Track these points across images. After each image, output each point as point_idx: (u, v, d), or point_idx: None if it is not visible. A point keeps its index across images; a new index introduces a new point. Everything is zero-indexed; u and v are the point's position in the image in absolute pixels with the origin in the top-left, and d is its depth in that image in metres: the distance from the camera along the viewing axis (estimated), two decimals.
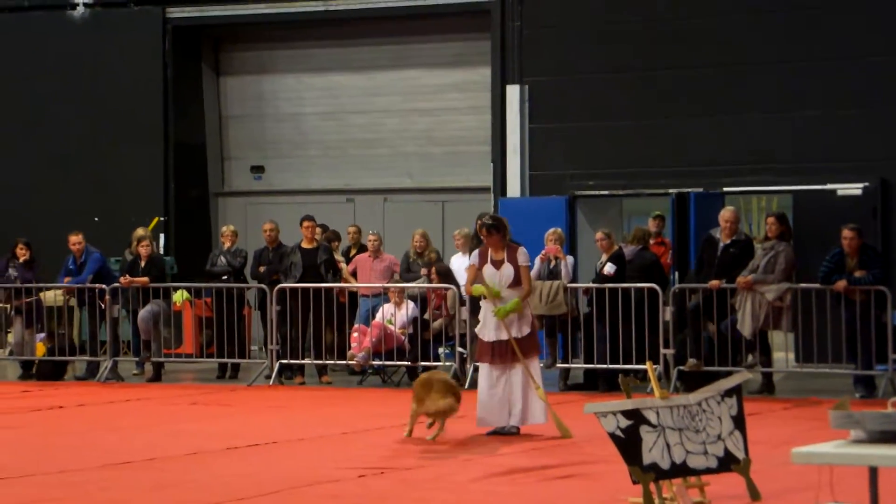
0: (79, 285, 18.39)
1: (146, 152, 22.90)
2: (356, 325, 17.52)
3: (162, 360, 18.40)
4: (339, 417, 14.22)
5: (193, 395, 16.58)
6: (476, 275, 12.44)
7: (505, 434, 12.25)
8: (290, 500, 9.29)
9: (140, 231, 18.88)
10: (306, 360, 17.59)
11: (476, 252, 12.62)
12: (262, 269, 18.23)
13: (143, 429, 13.40)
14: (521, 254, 12.44)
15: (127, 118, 22.95)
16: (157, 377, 18.22)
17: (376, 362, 17.30)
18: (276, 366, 17.54)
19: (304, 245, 17.91)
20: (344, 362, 17.64)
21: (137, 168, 22.85)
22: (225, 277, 18.32)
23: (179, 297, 18.90)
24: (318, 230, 18.37)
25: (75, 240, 18.54)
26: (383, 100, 23.03)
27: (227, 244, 18.67)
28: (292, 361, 17.61)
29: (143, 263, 18.36)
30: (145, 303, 18.18)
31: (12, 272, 18.69)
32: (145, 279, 18.19)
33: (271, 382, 17.38)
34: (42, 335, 18.89)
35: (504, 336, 12.22)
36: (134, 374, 18.70)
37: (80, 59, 23.22)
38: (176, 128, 23.10)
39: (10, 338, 19.21)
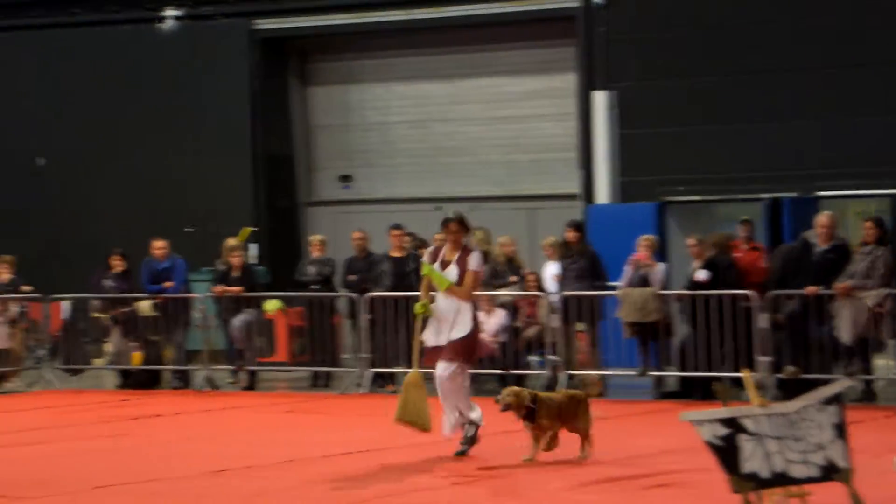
0: (174, 295, 18.60)
1: (235, 163, 23.11)
2: None
3: (255, 368, 18.58)
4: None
5: (288, 403, 16.71)
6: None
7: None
8: None
9: (231, 241, 19.08)
10: (398, 369, 17.66)
11: (430, 249, 12.08)
12: (351, 277, 18.33)
13: (239, 437, 13.55)
14: (474, 258, 11.67)
15: (216, 130, 23.19)
16: (251, 386, 18.39)
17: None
18: (369, 374, 17.62)
19: (393, 253, 17.99)
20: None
21: (227, 179, 23.07)
22: (315, 287, 18.44)
23: (272, 305, 19.03)
24: (406, 238, 18.43)
25: (159, 244, 18.78)
26: (469, 107, 23.05)
27: (316, 253, 18.81)
28: (384, 370, 17.68)
29: (235, 273, 18.55)
30: (238, 312, 18.37)
31: (108, 283, 18.97)
32: (238, 288, 18.38)
33: (363, 391, 17.46)
34: (135, 344, 19.13)
35: (442, 340, 11.59)
36: (229, 383, 18.90)
37: (169, 71, 23.49)
38: (264, 139, 23.29)
39: (108, 347, 19.49)
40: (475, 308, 11.85)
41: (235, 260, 18.65)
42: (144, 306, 18.78)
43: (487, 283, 17.94)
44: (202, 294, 18.95)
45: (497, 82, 22.83)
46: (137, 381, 18.81)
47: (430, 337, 11.71)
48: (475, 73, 22.96)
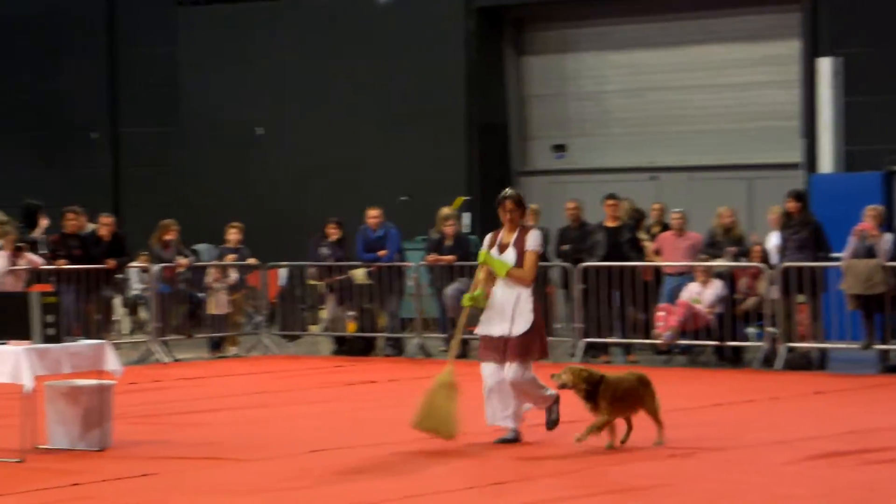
0: (388, 263, 18.73)
1: (450, 132, 23.17)
2: (661, 304, 17.27)
3: (468, 336, 18.56)
4: None
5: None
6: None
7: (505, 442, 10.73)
8: (600, 479, 9.17)
9: (445, 210, 19.10)
10: (611, 339, 17.47)
11: (489, 235, 10.95)
12: (565, 247, 18.18)
13: None
14: (532, 236, 10.69)
15: (431, 100, 23.27)
16: (462, 354, 18.38)
17: (682, 342, 17.03)
18: (582, 344, 17.47)
19: (608, 223, 17.77)
20: (649, 341, 17.44)
21: (441, 148, 23.14)
22: None
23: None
24: (621, 207, 18.18)
25: (374, 213, 18.91)
26: (687, 75, 22.62)
27: (530, 223, 18.68)
28: (597, 340, 17.52)
29: (448, 242, 18.58)
30: (452, 281, 18.40)
31: (324, 251, 19.20)
32: (451, 257, 18.41)
33: (576, 360, 17.30)
34: (351, 313, 19.33)
35: (496, 332, 10.62)
36: (441, 351, 18.94)
37: (385, 42, 23.64)
38: (479, 108, 23.28)
39: (324, 314, 19.76)
40: (536, 294, 10.81)
41: (449, 229, 18.67)
42: (359, 274, 18.94)
43: (704, 252, 17.56)
44: (416, 262, 19.03)
45: (716, 50, 22.36)
46: (352, 347, 19.03)
47: (485, 327, 10.66)
48: (692, 41, 22.52)
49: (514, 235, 10.66)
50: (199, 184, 24.98)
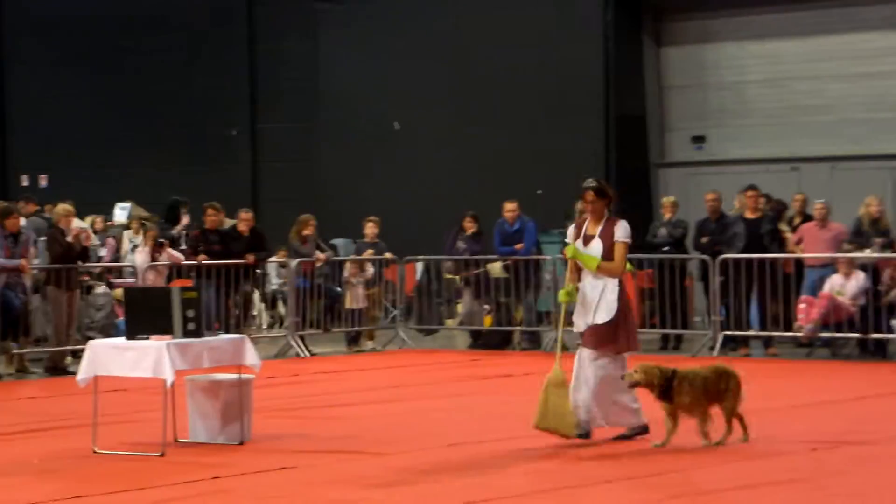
0: (525, 257, 18.66)
1: (587, 124, 23.02)
2: (803, 296, 16.95)
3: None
4: (785, 390, 13.81)
5: (636, 364, 16.44)
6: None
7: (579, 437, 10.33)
8: (747, 472, 9.01)
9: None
10: (751, 332, 17.22)
11: (573, 225, 10.70)
12: (704, 239, 17.94)
13: None
14: (620, 227, 10.38)
15: (568, 91, 23.14)
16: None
17: (824, 334, 16.70)
18: (720, 337, 17.23)
19: (748, 215, 17.51)
20: (790, 334, 17.14)
21: (579, 140, 23.00)
22: (666, 249, 18.15)
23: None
24: (761, 200, 17.89)
25: (510, 207, 18.86)
26: (829, 64, 22.20)
27: (668, 215, 18.49)
28: (736, 333, 17.27)
29: None
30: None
31: (461, 244, 19.20)
32: None
33: (715, 353, 17.07)
34: (487, 306, 19.31)
35: (582, 327, 10.40)
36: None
37: (522, 34, 23.57)
38: (617, 99, 23.10)
39: (460, 308, 19.76)
40: (623, 285, 10.43)
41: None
42: (496, 268, 18.91)
43: (849, 242, 17.18)
44: (553, 256, 18.93)
45: (858, 38, 21.90)
46: (488, 341, 19.00)
47: (579, 322, 10.44)
48: (834, 30, 22.10)
49: (600, 227, 10.40)
50: (336, 179, 25.17)
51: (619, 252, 10.33)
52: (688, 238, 18.47)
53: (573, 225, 10.69)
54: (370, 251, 19.35)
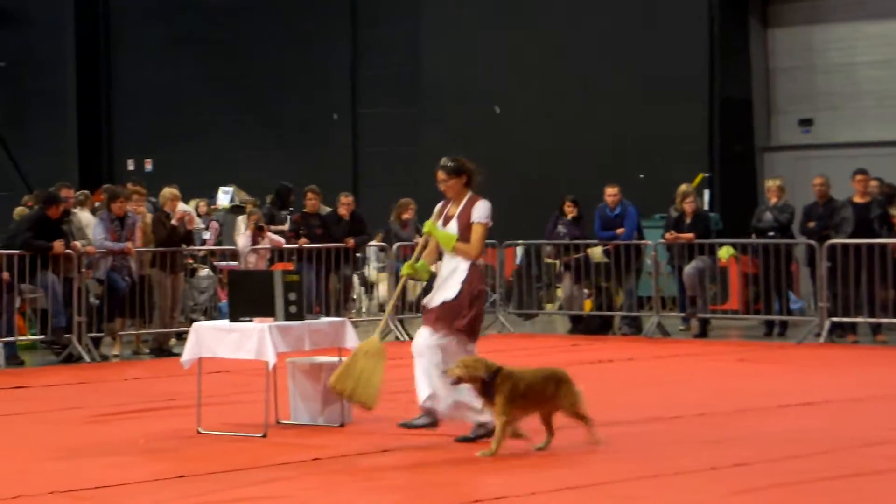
0: (626, 241, 18.50)
1: (691, 107, 22.76)
2: None
3: (708, 316, 18.25)
4: (894, 378, 13.50)
5: (740, 351, 16.29)
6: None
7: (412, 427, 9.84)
8: (845, 461, 8.85)
9: (684, 187, 18.76)
10: (859, 319, 16.90)
11: (439, 205, 10.13)
12: (811, 224, 17.64)
13: (690, 384, 13.29)
14: (478, 208, 9.79)
15: (672, 74, 22.89)
16: (702, 333, 18.07)
17: None
18: (827, 324, 16.94)
19: (857, 199, 17.19)
20: None
21: (682, 124, 22.76)
22: (771, 234, 17.89)
23: (725, 253, 18.66)
24: (872, 184, 17.55)
25: (612, 191, 18.71)
26: None
27: (774, 199, 18.21)
28: (844, 319, 16.97)
29: (688, 220, 18.24)
30: (691, 259, 18.07)
31: (561, 229, 19.09)
32: (690, 235, 18.08)
33: (822, 341, 16.79)
34: (587, 291, 19.17)
35: (431, 304, 9.75)
36: (680, 330, 18.65)
37: (626, 16, 23.36)
38: (722, 82, 22.80)
39: (560, 293, 19.66)
40: (478, 269, 9.77)
41: (688, 206, 18.33)
42: (596, 252, 18.78)
43: None
44: (654, 241, 18.74)
45: None
46: (588, 326, 18.88)
47: (428, 299, 9.83)
48: None
49: (460, 207, 9.84)
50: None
51: (475, 233, 9.73)
52: (794, 223, 18.18)
53: (441, 202, 10.07)
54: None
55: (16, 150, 30.65)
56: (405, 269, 10.05)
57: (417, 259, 10.10)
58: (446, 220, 9.88)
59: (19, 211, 18.96)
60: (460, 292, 9.62)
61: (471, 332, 9.73)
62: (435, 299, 9.74)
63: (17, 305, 15.91)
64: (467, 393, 9.45)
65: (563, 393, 9.24)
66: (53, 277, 15.72)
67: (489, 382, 9.11)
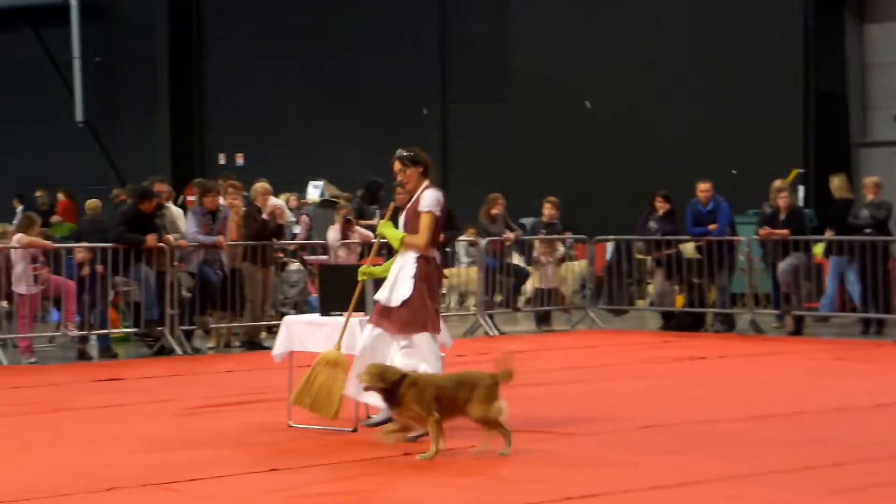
0: (718, 237, 18.31)
1: (785, 103, 22.50)
2: None
3: (803, 313, 18.00)
4: None
5: (836, 349, 16.03)
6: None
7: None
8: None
9: (778, 183, 18.53)
10: None
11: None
12: None
13: (784, 382, 13.10)
14: (425, 197, 9.47)
15: (766, 68, 22.65)
16: (797, 331, 17.82)
17: None
18: None
19: None
20: None
21: (776, 119, 22.49)
22: (868, 230, 17.59)
23: (820, 249, 18.40)
24: None
25: (704, 187, 18.52)
26: None
27: (870, 196, 17.93)
28: None
29: (782, 216, 18.00)
30: (785, 255, 17.83)
31: (652, 224, 18.92)
32: (785, 231, 17.84)
33: None
34: (678, 287, 18.99)
35: (379, 297, 9.60)
36: (773, 327, 18.41)
37: (717, 10, 23.14)
38: (817, 77, 22.50)
39: (651, 289, 19.49)
40: (428, 262, 9.56)
41: (783, 202, 18.08)
42: (688, 248, 18.58)
43: None
44: (747, 237, 18.52)
45: None
46: (680, 323, 18.69)
47: (379, 295, 9.64)
48: None
49: (413, 199, 9.55)
50: (525, 157, 25.06)
51: (422, 223, 9.42)
52: (891, 220, 17.87)
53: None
54: (543, 232, 19.27)
55: (109, 144, 31.04)
56: (362, 274, 9.84)
57: (373, 261, 9.97)
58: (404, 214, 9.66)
59: (91, 205, 19.23)
60: (414, 293, 9.41)
61: (429, 328, 9.49)
62: (382, 295, 9.51)
63: (110, 298, 16.08)
64: (378, 399, 9.22)
65: (476, 399, 8.86)
66: (147, 270, 15.88)
67: (391, 391, 8.88)
